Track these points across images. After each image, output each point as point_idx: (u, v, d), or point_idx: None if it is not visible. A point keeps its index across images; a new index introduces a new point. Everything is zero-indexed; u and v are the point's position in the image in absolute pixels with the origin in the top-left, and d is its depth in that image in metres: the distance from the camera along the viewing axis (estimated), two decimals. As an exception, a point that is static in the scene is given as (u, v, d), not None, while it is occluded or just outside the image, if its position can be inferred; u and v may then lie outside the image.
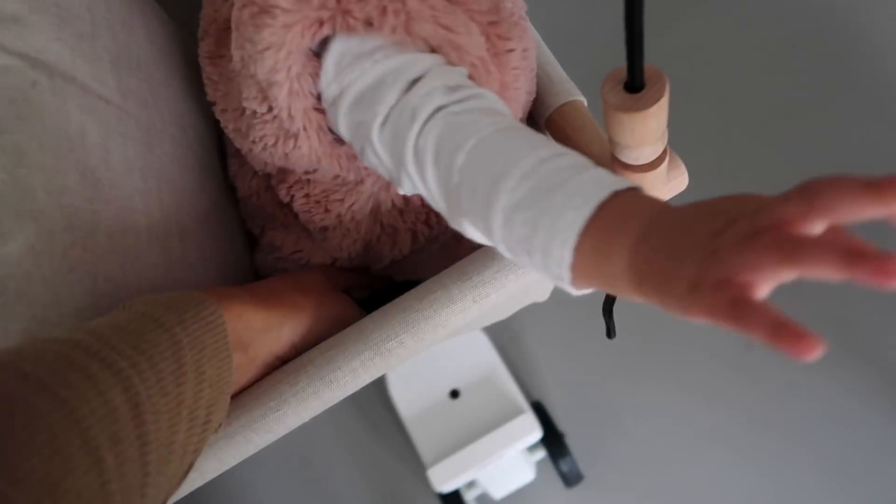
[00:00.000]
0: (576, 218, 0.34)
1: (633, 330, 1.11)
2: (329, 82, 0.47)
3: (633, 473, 1.08)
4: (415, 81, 0.44)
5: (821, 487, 1.03)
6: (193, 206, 0.56)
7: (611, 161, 0.45)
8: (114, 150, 0.48)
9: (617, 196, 0.34)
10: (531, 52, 0.53)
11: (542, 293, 0.72)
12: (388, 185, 0.56)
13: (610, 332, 0.57)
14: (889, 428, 1.03)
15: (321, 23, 0.45)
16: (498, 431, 0.96)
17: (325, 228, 0.58)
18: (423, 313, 0.51)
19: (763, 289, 0.27)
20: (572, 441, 1.05)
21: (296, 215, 0.58)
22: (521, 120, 0.55)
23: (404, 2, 0.44)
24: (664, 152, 0.43)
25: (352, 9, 0.44)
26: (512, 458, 1.00)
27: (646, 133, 0.40)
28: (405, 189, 0.46)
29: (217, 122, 0.57)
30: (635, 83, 0.38)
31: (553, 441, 1.03)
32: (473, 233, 0.42)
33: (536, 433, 0.96)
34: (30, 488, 0.29)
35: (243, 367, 0.48)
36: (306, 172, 0.55)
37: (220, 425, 0.44)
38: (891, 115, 1.17)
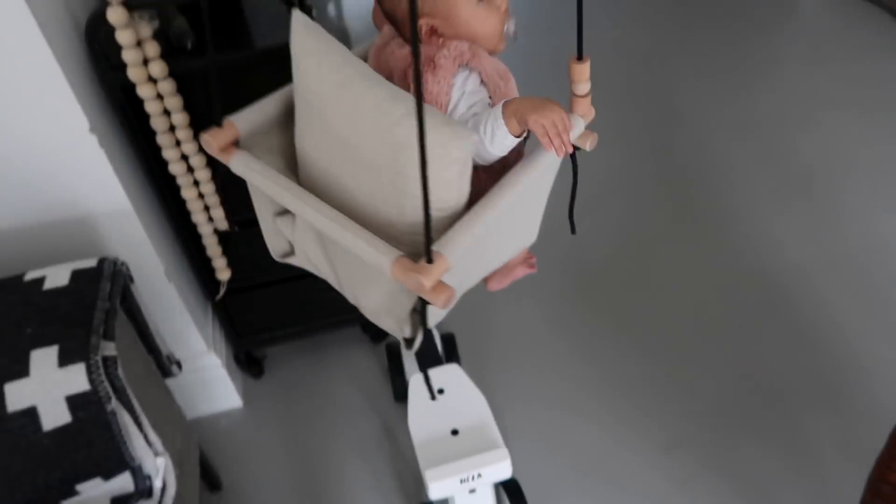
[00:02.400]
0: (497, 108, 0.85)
1: (589, 434, 1.52)
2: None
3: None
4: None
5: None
6: None
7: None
8: None
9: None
10: None
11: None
12: None
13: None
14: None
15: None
16: (478, 456, 1.34)
17: None
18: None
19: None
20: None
21: None
22: None
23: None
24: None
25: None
26: (484, 494, 1.34)
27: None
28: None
29: None
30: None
31: None
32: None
33: (507, 465, 1.32)
34: None
35: None
36: None
37: None
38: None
